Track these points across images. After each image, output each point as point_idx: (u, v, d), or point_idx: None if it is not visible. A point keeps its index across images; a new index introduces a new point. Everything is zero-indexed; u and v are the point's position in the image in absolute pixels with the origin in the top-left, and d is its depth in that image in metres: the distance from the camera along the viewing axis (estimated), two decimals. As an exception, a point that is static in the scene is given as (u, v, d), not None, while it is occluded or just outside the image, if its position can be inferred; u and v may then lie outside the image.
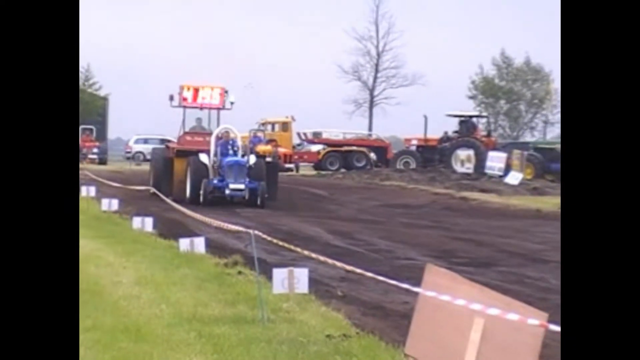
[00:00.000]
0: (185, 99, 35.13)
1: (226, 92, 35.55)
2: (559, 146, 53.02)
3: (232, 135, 33.27)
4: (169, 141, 73.23)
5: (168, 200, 25.31)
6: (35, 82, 5.12)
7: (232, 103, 35.46)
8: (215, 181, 31.33)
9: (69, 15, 5.38)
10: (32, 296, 5.11)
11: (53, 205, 5.15)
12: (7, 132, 5.04)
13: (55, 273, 5.24)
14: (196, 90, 35.28)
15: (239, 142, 33.26)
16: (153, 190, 31.10)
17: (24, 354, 5.03)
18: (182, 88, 35.26)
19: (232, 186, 30.95)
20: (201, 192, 30.88)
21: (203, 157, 32.05)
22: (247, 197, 31.22)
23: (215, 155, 32.09)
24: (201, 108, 35.83)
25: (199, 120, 35.83)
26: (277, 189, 34.68)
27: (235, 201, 31.34)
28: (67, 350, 5.30)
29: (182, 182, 32.20)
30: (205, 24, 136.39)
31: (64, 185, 5.24)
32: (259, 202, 30.98)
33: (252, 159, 32.64)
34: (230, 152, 32.14)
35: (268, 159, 37.29)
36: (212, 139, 32.72)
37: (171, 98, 35.10)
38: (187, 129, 35.34)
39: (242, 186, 30.95)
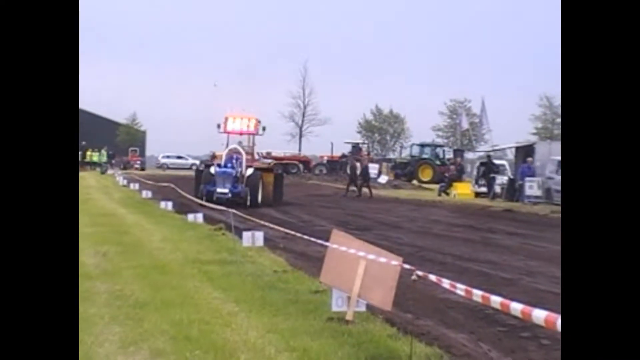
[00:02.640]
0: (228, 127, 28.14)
1: (259, 121, 27.88)
2: (408, 160, 54.41)
3: (237, 151, 26.25)
4: (181, 157, 73.50)
5: (182, 192, 24.96)
6: (42, 93, 4.00)
7: (264, 130, 28.13)
8: (208, 187, 24.89)
9: (69, 36, 4.09)
10: (36, 280, 3.85)
11: (56, 196, 3.99)
12: (19, 138, 3.93)
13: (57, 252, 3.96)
14: (236, 119, 27.59)
15: (243, 158, 25.99)
16: (172, 186, 29.62)
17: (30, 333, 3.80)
18: (226, 119, 27.33)
19: (218, 190, 24.61)
20: (199, 195, 24.09)
21: (212, 169, 25.62)
22: (232, 198, 24.42)
23: (219, 166, 25.56)
24: (241, 134, 28.24)
25: (240, 143, 28.27)
26: (283, 194, 28.40)
27: (235, 202, 24.58)
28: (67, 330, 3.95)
29: None
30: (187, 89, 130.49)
31: (65, 179, 4.07)
32: (248, 203, 24.46)
33: (250, 171, 25.78)
34: (229, 164, 25.62)
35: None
36: (224, 155, 26.08)
37: (218, 126, 27.26)
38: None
39: (226, 190, 24.66)
